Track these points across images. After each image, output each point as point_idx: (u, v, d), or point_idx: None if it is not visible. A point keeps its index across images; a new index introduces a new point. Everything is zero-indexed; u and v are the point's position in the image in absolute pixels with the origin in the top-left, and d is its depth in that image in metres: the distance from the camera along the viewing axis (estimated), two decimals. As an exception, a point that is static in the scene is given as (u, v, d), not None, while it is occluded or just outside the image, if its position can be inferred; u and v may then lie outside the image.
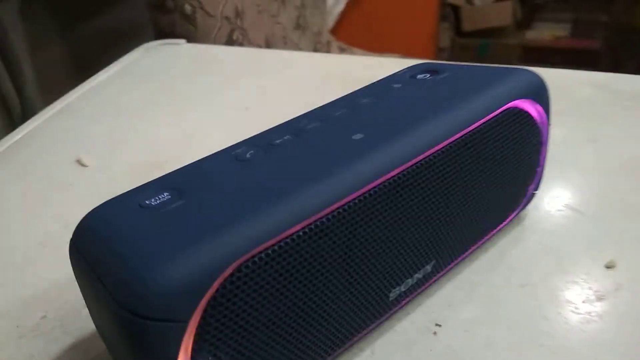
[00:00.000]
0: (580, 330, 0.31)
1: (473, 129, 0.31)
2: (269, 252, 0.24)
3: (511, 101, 0.33)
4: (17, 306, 0.35)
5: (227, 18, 0.77)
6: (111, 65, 0.66)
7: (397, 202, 0.28)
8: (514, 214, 0.38)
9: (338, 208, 0.26)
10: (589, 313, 0.32)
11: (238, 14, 0.80)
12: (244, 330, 0.24)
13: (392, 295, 0.31)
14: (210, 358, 0.23)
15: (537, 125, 0.35)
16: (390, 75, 0.39)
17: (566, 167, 0.45)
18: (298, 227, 0.25)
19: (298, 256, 0.25)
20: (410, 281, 0.31)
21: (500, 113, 0.32)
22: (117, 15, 0.89)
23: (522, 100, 0.34)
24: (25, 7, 0.75)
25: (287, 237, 0.24)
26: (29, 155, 0.52)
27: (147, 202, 0.27)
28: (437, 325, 0.32)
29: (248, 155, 0.30)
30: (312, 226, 0.25)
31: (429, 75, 0.37)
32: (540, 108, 0.35)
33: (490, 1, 2.52)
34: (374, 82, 0.38)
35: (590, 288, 0.34)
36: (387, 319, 0.32)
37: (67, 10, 0.82)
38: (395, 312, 0.32)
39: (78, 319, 0.33)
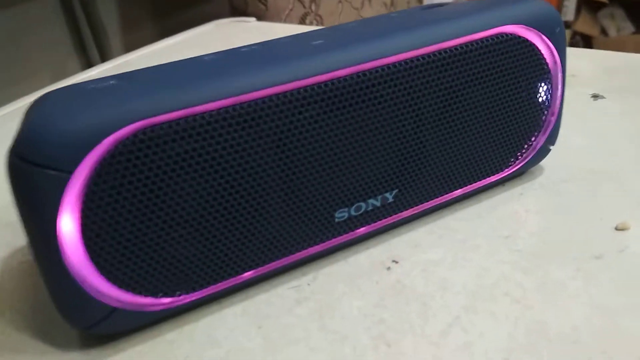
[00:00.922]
0: (559, 285, 0.27)
1: (451, 47, 0.28)
2: (175, 124, 0.23)
3: (506, 24, 0.29)
4: (2, 205, 0.37)
5: (300, 1, 0.78)
6: (178, 35, 0.70)
7: (347, 108, 0.26)
8: (517, 166, 0.33)
9: (267, 96, 0.24)
10: (578, 270, 0.27)
11: (313, -1, 0.81)
12: (142, 203, 0.23)
13: (339, 216, 0.28)
14: (99, 221, 0.23)
15: (543, 60, 0.31)
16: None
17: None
18: (214, 104, 0.23)
19: (217, 138, 0.24)
20: (363, 206, 0.29)
21: (491, 36, 0.29)
22: None
23: (523, 27, 0.30)
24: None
25: (199, 113, 0.23)
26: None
27: (92, 86, 0.27)
28: (394, 261, 0.29)
29: (206, 58, 0.29)
30: (235, 107, 0.24)
31: (433, 8, 0.35)
32: (549, 43, 0.31)
33: (628, 32, 2.33)
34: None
35: (586, 246, 0.29)
36: (340, 248, 0.30)
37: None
38: (349, 242, 0.30)
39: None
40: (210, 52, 0.31)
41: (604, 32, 2.38)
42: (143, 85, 0.25)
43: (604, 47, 2.36)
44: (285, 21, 0.78)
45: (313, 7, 0.81)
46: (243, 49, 0.30)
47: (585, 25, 2.29)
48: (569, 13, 2.17)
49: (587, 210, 0.31)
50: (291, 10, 0.78)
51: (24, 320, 0.28)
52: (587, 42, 2.36)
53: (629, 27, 2.29)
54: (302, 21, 0.80)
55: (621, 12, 2.29)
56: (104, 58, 0.80)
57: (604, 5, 2.29)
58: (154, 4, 0.90)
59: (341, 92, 0.26)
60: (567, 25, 2.19)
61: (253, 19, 0.75)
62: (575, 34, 2.34)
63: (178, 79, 0.25)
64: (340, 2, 0.88)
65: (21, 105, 0.57)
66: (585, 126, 0.40)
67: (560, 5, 2.05)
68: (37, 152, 0.21)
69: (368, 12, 0.96)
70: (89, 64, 0.81)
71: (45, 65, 0.78)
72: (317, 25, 0.84)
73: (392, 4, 1.03)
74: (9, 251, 0.33)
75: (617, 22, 2.32)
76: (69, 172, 0.22)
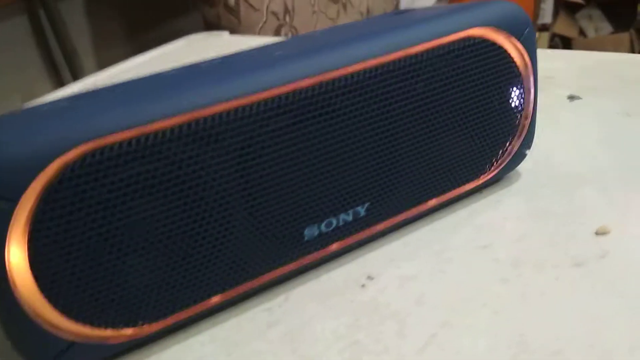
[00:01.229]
0: (540, 295, 0.26)
1: (417, 53, 0.27)
2: (126, 144, 0.22)
3: (473, 27, 0.29)
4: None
5: (274, 13, 0.78)
6: (150, 51, 0.69)
7: (312, 120, 0.25)
8: (493, 172, 0.32)
9: (225, 111, 0.23)
10: (557, 278, 0.26)
11: (287, 11, 0.80)
12: (94, 231, 0.22)
13: (309, 234, 0.27)
14: (48, 252, 0.21)
15: (512, 63, 0.30)
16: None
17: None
18: (166, 122, 0.22)
19: (172, 157, 0.22)
20: (334, 222, 0.27)
21: (458, 40, 0.28)
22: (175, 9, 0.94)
23: (491, 29, 0.29)
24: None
25: (151, 132, 0.22)
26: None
27: (44, 108, 0.26)
28: (368, 278, 0.28)
29: (167, 74, 0.28)
30: (189, 124, 0.23)
31: (400, 14, 0.34)
32: (519, 45, 0.30)
33: (606, 32, 2.35)
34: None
35: (566, 254, 0.28)
36: (312, 267, 0.29)
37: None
38: (321, 259, 0.28)
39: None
40: (173, 68, 0.30)
41: (582, 33, 2.40)
42: (94, 105, 0.24)
43: (583, 48, 2.37)
44: (259, 34, 0.77)
45: (287, 19, 0.81)
46: (203, 64, 0.29)
47: (563, 27, 2.31)
48: (546, 16, 2.18)
49: (566, 215, 0.31)
50: (265, 22, 0.77)
51: (-19, 358, 0.26)
52: (566, 43, 2.37)
53: (607, 27, 2.31)
54: (277, 33, 0.80)
55: (598, 12, 2.31)
56: (76, 78, 0.79)
57: (581, 6, 2.31)
58: (127, 21, 0.89)
59: (305, 103, 0.25)
60: (546, 27, 2.21)
61: (226, 33, 0.74)
62: (554, 36, 2.35)
63: (131, 96, 0.24)
64: (314, 12, 0.87)
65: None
66: (561, 128, 0.40)
67: (537, 8, 2.06)
68: (-22, 181, 0.20)
69: (344, 22, 0.96)
70: (61, 84, 0.80)
71: (16, 87, 0.76)
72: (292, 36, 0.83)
73: (368, 12, 1.03)
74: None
75: (595, 23, 2.34)
76: (14, 200, 0.20)
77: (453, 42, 0.28)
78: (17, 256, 0.21)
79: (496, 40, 0.29)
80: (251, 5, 0.74)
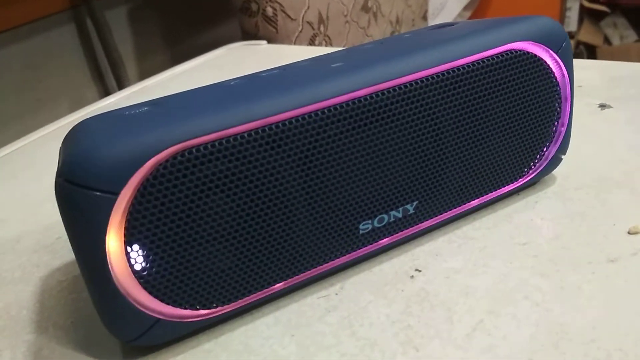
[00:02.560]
0: (576, 288, 0.28)
1: (464, 64, 0.30)
2: (210, 145, 0.24)
3: (515, 41, 0.31)
4: (40, 228, 0.39)
5: (309, 23, 0.81)
6: (192, 60, 0.72)
7: (367, 126, 0.28)
8: (531, 175, 0.35)
9: (292, 117, 0.26)
10: (593, 273, 0.29)
11: (322, 21, 0.83)
12: (181, 221, 0.25)
13: (363, 228, 0.30)
14: (142, 239, 0.24)
15: (552, 75, 0.33)
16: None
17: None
18: (244, 127, 0.25)
19: (248, 157, 0.25)
20: (385, 218, 0.30)
21: (501, 53, 0.31)
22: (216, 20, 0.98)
23: (531, 43, 0.31)
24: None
25: (231, 135, 0.25)
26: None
27: (126, 112, 0.29)
28: (417, 270, 0.30)
29: (232, 83, 0.31)
30: (263, 129, 0.25)
31: (444, 27, 0.36)
32: (557, 57, 0.32)
33: (631, 40, 2.33)
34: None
35: (601, 251, 0.30)
36: (364, 259, 0.31)
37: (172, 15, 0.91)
38: (373, 252, 0.31)
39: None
40: (233, 77, 0.33)
41: (607, 41, 2.39)
42: (177, 110, 0.27)
43: (608, 55, 2.37)
44: (295, 43, 0.80)
45: (322, 29, 0.84)
46: (264, 74, 0.32)
47: (588, 35, 2.30)
48: (571, 24, 2.18)
49: (600, 216, 0.33)
50: (300, 32, 0.80)
51: (67, 335, 0.29)
52: (591, 51, 2.36)
53: (632, 34, 2.30)
54: (311, 42, 0.83)
55: (623, 20, 2.30)
56: (120, 85, 0.83)
57: (605, 14, 2.30)
58: (168, 31, 0.93)
59: (361, 110, 0.28)
60: (571, 35, 2.20)
61: (264, 42, 0.77)
62: (579, 44, 2.35)
63: (209, 103, 0.27)
64: (347, 22, 0.90)
65: (46, 132, 0.59)
66: (594, 135, 0.42)
67: (562, 17, 2.06)
68: (85, 175, 0.23)
69: (374, 30, 0.98)
70: (106, 91, 0.84)
71: (64, 91, 0.80)
72: (326, 45, 0.86)
73: (397, 22, 1.05)
74: (47, 271, 0.35)
75: (619, 31, 2.33)
76: (116, 193, 0.23)
77: (497, 55, 0.30)
78: (115, 243, 0.24)
79: (536, 53, 0.32)
80: (288, 16, 0.77)
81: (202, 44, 0.95)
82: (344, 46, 0.90)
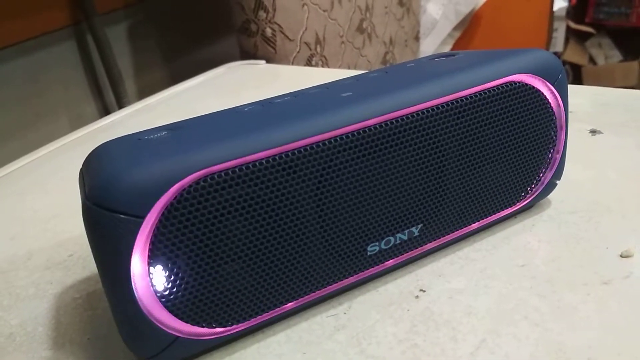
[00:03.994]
0: (573, 309, 0.29)
1: (467, 95, 0.31)
2: (231, 171, 0.26)
3: (514, 74, 0.33)
4: (50, 245, 0.40)
5: (306, 44, 0.83)
6: (192, 79, 0.73)
7: (377, 153, 0.29)
8: (527, 199, 0.36)
9: (307, 145, 0.28)
10: (588, 294, 0.30)
11: (319, 41, 0.85)
12: (202, 243, 0.26)
13: (371, 250, 0.31)
14: (165, 260, 0.25)
15: (548, 105, 0.34)
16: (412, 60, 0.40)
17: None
18: (263, 154, 0.27)
19: (265, 182, 0.27)
20: (392, 240, 0.31)
21: (502, 84, 0.32)
22: (213, 40, 0.99)
23: (530, 75, 0.33)
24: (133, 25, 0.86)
25: (251, 162, 0.26)
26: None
27: (145, 137, 0.30)
28: (421, 290, 0.32)
29: (246, 109, 0.33)
30: (280, 155, 0.27)
31: (445, 57, 0.38)
32: (553, 89, 0.34)
33: (616, 60, 2.39)
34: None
35: (595, 273, 0.32)
36: (371, 279, 0.33)
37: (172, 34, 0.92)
38: (379, 273, 0.32)
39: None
40: (246, 103, 0.34)
41: (592, 60, 2.44)
42: (195, 136, 0.28)
43: (593, 75, 2.42)
44: (293, 63, 0.81)
45: (318, 49, 0.85)
46: (277, 100, 0.33)
47: (574, 55, 2.35)
48: (558, 44, 2.23)
49: (593, 239, 0.34)
50: (298, 52, 0.82)
51: (84, 351, 0.30)
52: (576, 71, 2.41)
53: (616, 55, 2.35)
54: (308, 62, 0.84)
55: (608, 40, 2.36)
56: (119, 100, 0.84)
57: (591, 35, 2.35)
58: (167, 47, 0.94)
59: (371, 138, 0.29)
60: (557, 55, 2.25)
61: (263, 62, 0.79)
62: (564, 63, 2.39)
63: (227, 129, 0.29)
64: (343, 43, 0.92)
65: (51, 149, 0.60)
66: (586, 160, 0.44)
67: (549, 37, 2.11)
68: (113, 200, 0.24)
69: (369, 51, 1.01)
70: (104, 107, 0.85)
71: (64, 107, 0.81)
72: (322, 66, 0.88)
73: (391, 42, 1.08)
74: (61, 288, 0.36)
75: (604, 51, 2.38)
76: (142, 217, 0.24)
77: (497, 87, 0.32)
78: (139, 264, 0.25)
79: (534, 85, 0.34)
80: (287, 36, 0.79)
81: (201, 61, 0.97)
82: (339, 66, 0.92)
